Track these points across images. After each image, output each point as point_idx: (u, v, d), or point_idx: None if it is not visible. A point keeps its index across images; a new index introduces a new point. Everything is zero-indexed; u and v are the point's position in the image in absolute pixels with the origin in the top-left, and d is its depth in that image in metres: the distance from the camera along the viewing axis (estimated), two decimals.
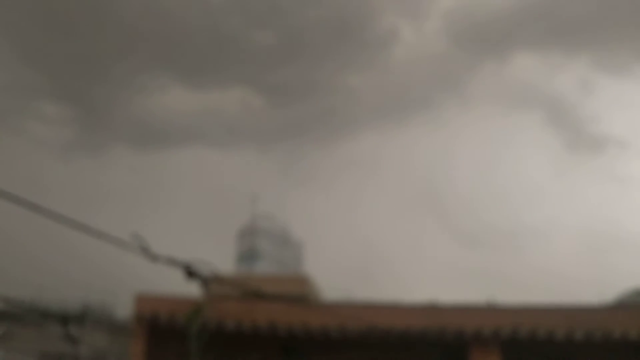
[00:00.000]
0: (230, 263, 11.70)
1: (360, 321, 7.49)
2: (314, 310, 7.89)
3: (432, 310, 8.37)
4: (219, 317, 7.88)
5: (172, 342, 7.86)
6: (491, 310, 8.42)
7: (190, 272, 3.11)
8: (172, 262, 2.70)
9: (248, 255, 10.89)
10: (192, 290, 9.22)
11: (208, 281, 3.50)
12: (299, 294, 9.42)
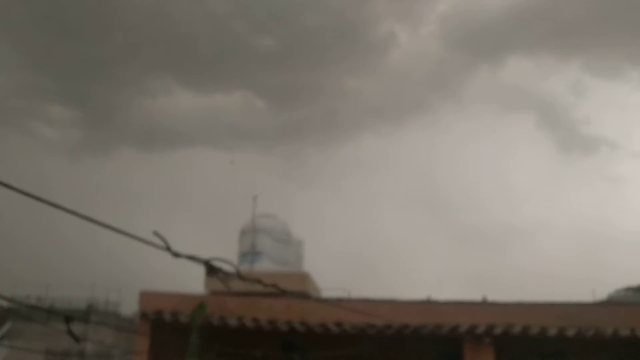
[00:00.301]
0: (234, 261, 11.86)
1: (358, 317, 7.69)
2: (314, 306, 8.08)
3: (428, 306, 8.58)
4: (221, 313, 8.08)
5: (175, 338, 8.01)
6: (485, 307, 8.60)
7: (211, 268, 3.26)
8: (193, 258, 2.88)
9: (249, 253, 11.07)
10: (194, 287, 9.44)
11: (228, 276, 3.66)
12: (300, 291, 9.64)
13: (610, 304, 10.67)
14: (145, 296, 8.59)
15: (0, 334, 23.37)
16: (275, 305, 8.28)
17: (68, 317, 3.72)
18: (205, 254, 3.32)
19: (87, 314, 24.58)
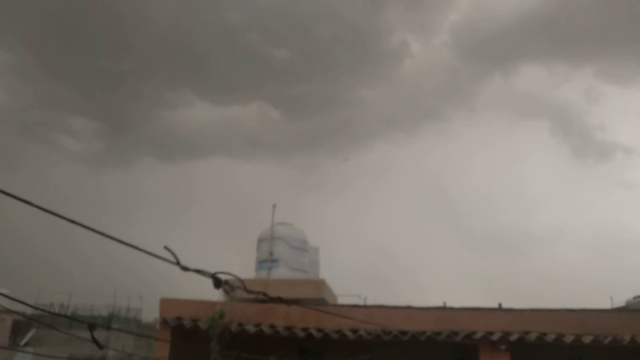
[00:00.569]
0: (252, 268, 12.09)
1: (374, 324, 7.77)
2: (330, 312, 8.17)
3: (444, 313, 8.61)
4: (239, 320, 8.23)
5: (195, 344, 8.17)
6: (501, 313, 8.60)
7: (218, 281, 3.39)
8: (201, 272, 3.02)
9: (267, 260, 11.22)
10: (214, 295, 9.63)
11: (233, 289, 3.79)
12: (316, 298, 9.76)
13: (628, 310, 10.56)
14: (165, 303, 8.76)
15: (24, 340, 23.91)
16: (292, 312, 8.41)
17: (92, 324, 3.84)
18: (223, 262, 3.46)
19: (109, 321, 25.04)
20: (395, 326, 7.77)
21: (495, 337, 7.81)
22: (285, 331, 8.08)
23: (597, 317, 8.35)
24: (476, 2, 53.97)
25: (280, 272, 11.38)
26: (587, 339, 7.69)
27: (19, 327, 27.12)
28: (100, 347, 3.94)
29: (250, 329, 8.04)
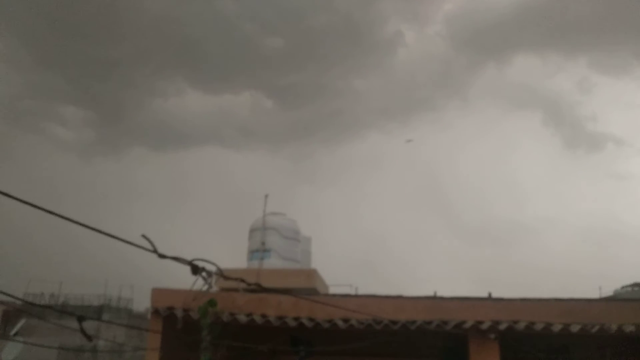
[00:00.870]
0: (244, 258, 12.11)
1: (365, 313, 7.83)
2: (321, 302, 8.22)
3: (434, 302, 8.70)
4: (231, 310, 8.25)
5: (186, 334, 8.19)
6: (490, 303, 8.71)
7: (195, 268, 3.41)
8: (178, 259, 3.04)
9: (259, 250, 11.23)
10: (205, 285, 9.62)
11: (212, 276, 3.80)
12: (308, 288, 9.81)
13: (616, 300, 10.72)
14: (157, 293, 8.76)
15: (14, 330, 23.80)
16: (284, 302, 8.45)
17: (80, 316, 3.85)
18: (215, 252, 3.47)
19: (100, 311, 25.00)
20: (386, 315, 7.83)
21: (484, 326, 7.91)
22: (276, 321, 8.12)
23: (585, 307, 8.49)
24: None
25: (272, 262, 11.41)
26: (575, 328, 7.80)
27: (8, 317, 27.00)
28: (89, 339, 3.95)
29: (242, 318, 8.07)
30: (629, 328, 7.87)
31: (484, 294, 9.36)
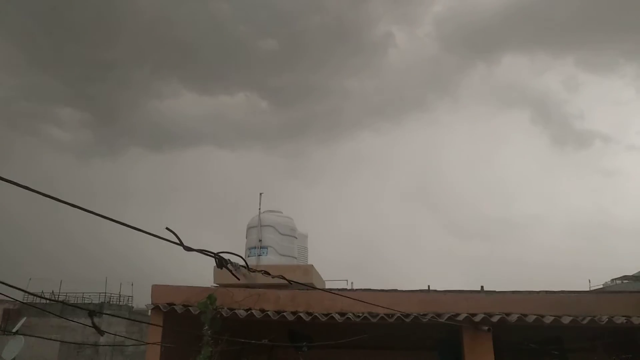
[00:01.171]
0: (242, 255, 12.25)
1: (361, 307, 8.01)
2: (319, 297, 8.39)
3: (428, 296, 8.88)
4: (230, 305, 8.41)
5: (187, 329, 8.34)
6: (483, 296, 8.89)
7: (221, 261, 3.53)
8: (204, 252, 3.17)
9: (256, 247, 11.40)
10: (204, 282, 9.80)
11: (237, 268, 3.93)
12: (305, 283, 9.96)
13: (606, 292, 10.88)
14: (157, 289, 8.89)
15: (15, 328, 23.92)
16: (282, 297, 8.62)
17: (92, 311, 3.98)
18: (211, 249, 3.57)
19: (100, 308, 25.15)
20: (381, 309, 8.01)
21: (477, 318, 8.08)
22: (275, 315, 8.29)
23: (576, 299, 8.62)
24: None
25: (270, 258, 11.59)
26: (566, 320, 7.93)
27: (9, 315, 27.13)
28: (102, 333, 4.06)
29: (241, 313, 8.23)
30: (620, 319, 7.99)
31: (476, 288, 9.53)
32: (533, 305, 8.32)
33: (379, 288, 9.16)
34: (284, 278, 4.70)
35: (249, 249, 12.13)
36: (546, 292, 8.74)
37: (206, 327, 7.65)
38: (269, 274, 4.49)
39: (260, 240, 11.83)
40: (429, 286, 9.98)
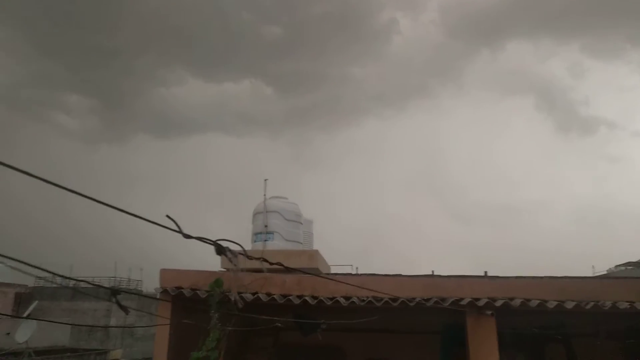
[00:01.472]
0: (248, 240, 12.42)
1: (365, 291, 8.11)
2: (324, 281, 8.49)
3: (432, 281, 8.96)
4: (237, 288, 8.54)
5: (195, 313, 8.49)
6: (486, 281, 8.94)
7: (220, 248, 3.60)
8: (203, 239, 3.23)
9: (262, 233, 11.52)
10: (211, 266, 9.95)
11: (235, 256, 4.01)
12: (310, 268, 10.09)
13: (609, 277, 10.89)
14: (165, 273, 9.04)
15: (27, 312, 24.34)
16: (288, 281, 8.75)
17: (115, 290, 4.03)
18: (219, 235, 3.65)
19: (109, 294, 25.52)
20: (385, 293, 8.10)
21: (481, 303, 8.15)
22: (281, 298, 8.42)
23: (580, 285, 8.65)
24: None
25: (276, 244, 11.71)
26: (570, 305, 7.97)
27: (21, 299, 27.59)
28: (126, 311, 4.11)
29: (248, 296, 8.36)
30: (623, 305, 8.01)
31: (480, 273, 9.60)
32: (536, 290, 8.37)
33: (383, 271, 9.26)
34: (281, 265, 4.77)
35: (255, 234, 12.26)
36: (550, 277, 8.78)
37: (213, 310, 7.79)
38: (267, 260, 4.56)
39: (266, 226, 11.94)
40: (432, 271, 10.07)
